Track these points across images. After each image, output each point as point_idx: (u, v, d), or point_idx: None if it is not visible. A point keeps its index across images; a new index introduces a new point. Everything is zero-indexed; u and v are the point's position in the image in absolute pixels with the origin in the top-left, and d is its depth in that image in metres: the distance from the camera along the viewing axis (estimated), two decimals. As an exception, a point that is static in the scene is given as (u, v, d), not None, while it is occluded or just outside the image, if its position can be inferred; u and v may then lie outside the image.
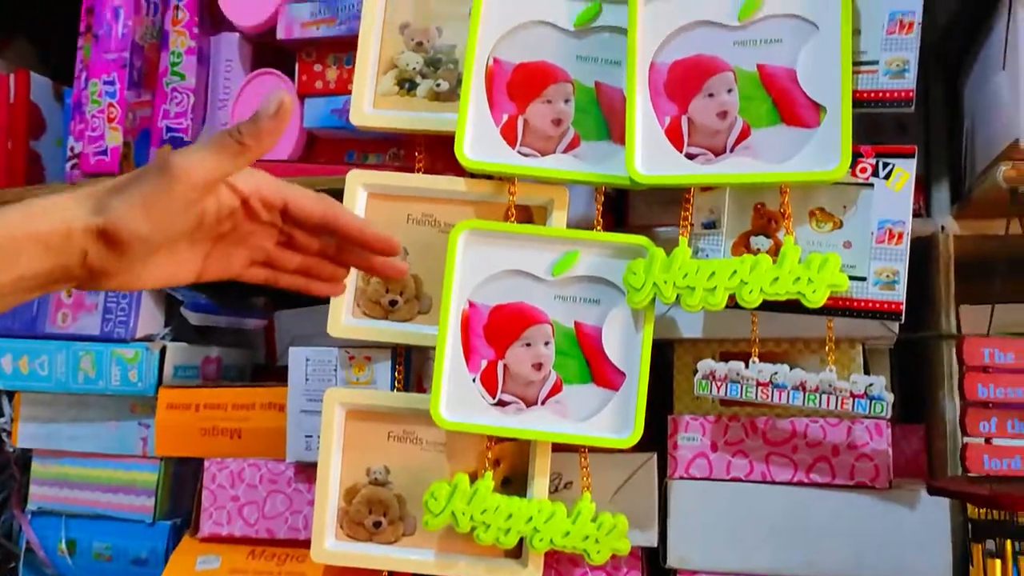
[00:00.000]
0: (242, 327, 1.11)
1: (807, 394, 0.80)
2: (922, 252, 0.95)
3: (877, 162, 0.80)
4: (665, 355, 0.93)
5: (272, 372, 1.11)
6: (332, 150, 1.03)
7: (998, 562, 0.77)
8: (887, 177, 0.80)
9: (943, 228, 0.93)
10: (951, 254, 0.92)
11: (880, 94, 0.79)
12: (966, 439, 0.75)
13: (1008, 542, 0.77)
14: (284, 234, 0.63)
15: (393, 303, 0.88)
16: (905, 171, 0.79)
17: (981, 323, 0.92)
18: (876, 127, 0.96)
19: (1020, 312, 0.97)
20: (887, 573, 0.81)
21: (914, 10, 0.79)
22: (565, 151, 0.86)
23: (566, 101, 0.86)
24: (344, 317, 0.88)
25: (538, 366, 0.84)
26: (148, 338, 1.02)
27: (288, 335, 1.10)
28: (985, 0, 0.80)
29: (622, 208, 0.99)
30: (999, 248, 0.86)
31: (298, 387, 0.92)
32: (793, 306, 0.79)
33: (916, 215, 0.94)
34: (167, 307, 1.05)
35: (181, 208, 0.55)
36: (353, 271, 0.87)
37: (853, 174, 0.80)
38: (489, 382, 0.84)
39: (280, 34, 1.00)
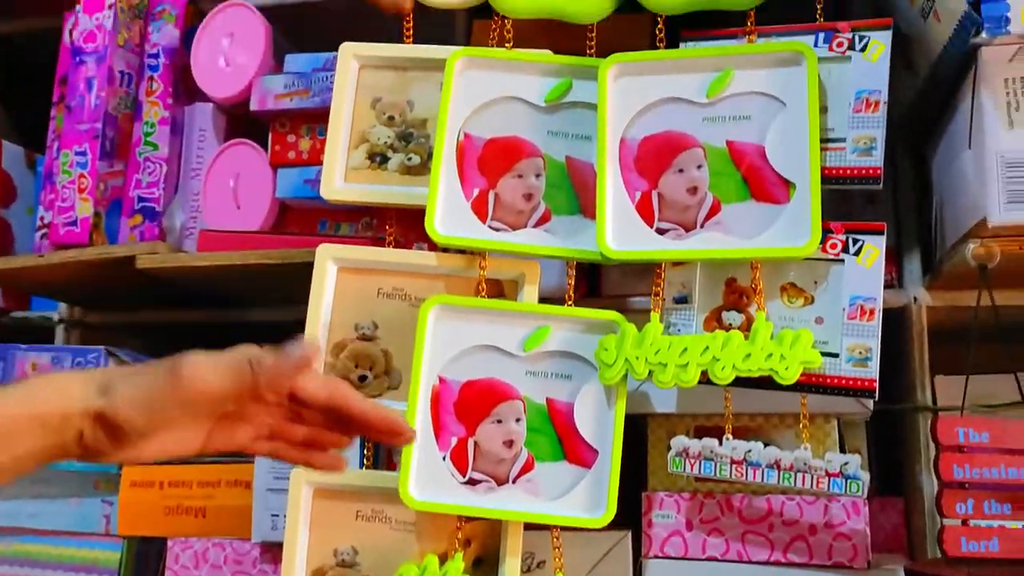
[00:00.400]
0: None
1: (782, 472, 0.79)
2: (896, 323, 0.94)
3: (847, 238, 0.80)
4: (639, 429, 0.92)
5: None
6: (304, 219, 1.03)
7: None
8: (857, 253, 0.80)
9: (916, 299, 0.93)
10: (924, 325, 0.92)
11: (848, 171, 0.80)
12: (944, 521, 0.74)
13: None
14: (290, 411, 0.62)
15: (362, 379, 0.87)
16: (875, 247, 0.79)
17: (957, 393, 0.92)
18: (846, 199, 0.97)
19: (995, 383, 0.97)
20: (867, 657, 0.79)
21: (880, 89, 0.80)
22: (536, 225, 0.86)
23: (537, 175, 0.86)
24: (312, 393, 0.86)
25: (509, 443, 0.82)
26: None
27: (258, 407, 1.08)
28: (951, 79, 0.81)
29: (596, 277, 0.98)
30: (971, 319, 0.86)
31: (265, 464, 0.90)
32: (766, 382, 0.78)
33: (889, 286, 0.94)
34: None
35: (180, 408, 0.56)
36: (321, 342, 0.87)
37: (823, 250, 0.80)
38: (459, 460, 0.82)
39: (254, 106, 1.01)
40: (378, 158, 0.90)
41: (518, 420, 0.83)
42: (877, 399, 0.82)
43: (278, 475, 0.89)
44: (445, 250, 0.87)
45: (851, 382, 0.78)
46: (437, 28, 0.97)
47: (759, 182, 0.81)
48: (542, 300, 0.86)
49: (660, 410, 0.89)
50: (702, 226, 0.82)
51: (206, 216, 1.03)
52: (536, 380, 0.83)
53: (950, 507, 0.73)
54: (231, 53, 1.03)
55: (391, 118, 0.91)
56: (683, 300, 0.84)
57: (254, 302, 1.09)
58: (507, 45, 0.88)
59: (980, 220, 0.76)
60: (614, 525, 0.80)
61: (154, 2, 1.09)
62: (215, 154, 1.04)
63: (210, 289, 1.04)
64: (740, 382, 0.79)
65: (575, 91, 0.87)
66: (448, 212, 0.85)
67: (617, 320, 0.82)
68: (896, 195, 0.99)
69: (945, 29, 0.75)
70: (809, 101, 0.79)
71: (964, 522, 0.72)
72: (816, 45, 0.82)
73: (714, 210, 0.82)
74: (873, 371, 0.77)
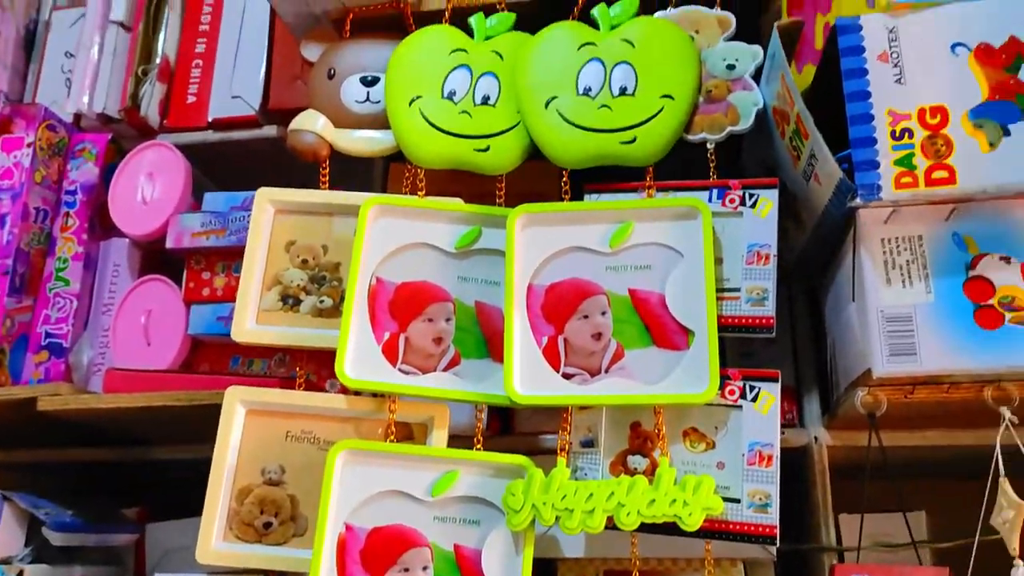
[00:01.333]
0: (111, 544, 1.05)
1: (688, 620, 0.79)
2: (798, 462, 0.97)
3: (744, 385, 0.83)
4: (550, 574, 0.91)
5: (140, 593, 1.05)
6: (216, 355, 1.02)
7: None
8: (754, 400, 0.83)
9: (816, 439, 0.96)
10: (825, 464, 0.95)
11: (743, 320, 0.83)
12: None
13: None
14: None
15: (267, 525, 0.85)
16: (771, 394, 0.82)
17: (864, 533, 0.94)
18: (747, 340, 1.01)
19: (895, 521, 1.00)
20: None
21: (769, 243, 0.84)
22: (446, 369, 0.87)
23: (447, 320, 0.88)
24: (214, 541, 0.84)
25: (415, 593, 0.81)
26: (6, 560, 0.96)
27: (159, 550, 1.05)
28: (834, 235, 0.87)
29: (509, 415, 0.99)
30: (865, 458, 0.89)
31: None
32: (671, 527, 0.79)
33: (790, 425, 0.97)
34: (29, 526, 0.99)
35: None
36: (225, 489, 0.85)
37: (722, 396, 0.83)
38: (364, 612, 0.81)
39: (170, 243, 1.01)
40: (291, 300, 0.91)
41: (425, 568, 0.82)
42: (784, 538, 0.83)
43: None
44: (357, 394, 0.88)
45: (753, 528, 0.79)
46: (358, 167, 1.00)
47: (660, 329, 0.84)
48: (455, 439, 0.86)
49: (569, 555, 0.89)
50: (606, 371, 0.84)
51: (115, 353, 1.02)
52: (444, 526, 0.83)
53: (849, 656, 0.74)
54: (149, 191, 1.04)
55: (305, 261, 0.92)
56: (589, 444, 0.86)
57: (162, 440, 1.07)
58: (420, 193, 0.91)
59: (866, 370, 0.80)
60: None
61: (75, 140, 1.10)
62: (128, 290, 1.04)
63: (115, 428, 1.02)
64: (645, 527, 0.80)
65: (484, 238, 0.90)
66: (359, 355, 0.86)
67: (524, 465, 0.82)
68: (795, 336, 1.03)
69: (825, 192, 0.81)
70: (705, 253, 0.84)
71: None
72: (710, 200, 0.87)
73: (618, 356, 0.84)
74: (773, 517, 0.79)
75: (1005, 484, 0.76)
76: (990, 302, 0.77)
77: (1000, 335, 0.76)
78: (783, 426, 0.99)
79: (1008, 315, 0.76)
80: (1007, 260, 0.78)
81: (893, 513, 1.03)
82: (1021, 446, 0.77)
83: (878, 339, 0.78)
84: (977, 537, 0.78)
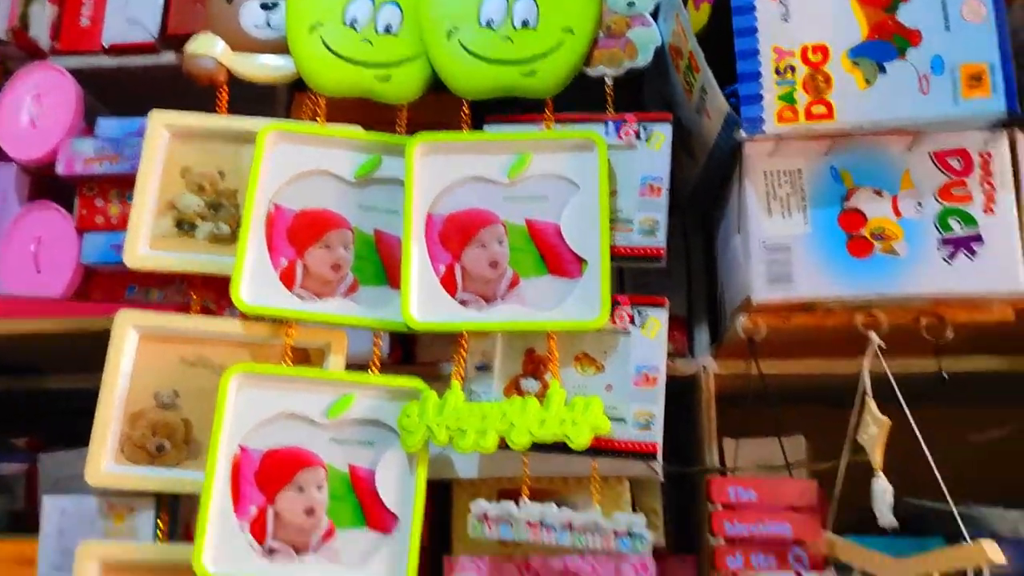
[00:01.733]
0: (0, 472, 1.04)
1: (574, 533, 0.83)
2: (688, 390, 1.02)
3: (633, 311, 0.86)
4: (445, 494, 0.93)
5: (32, 522, 1.03)
6: (111, 285, 1.00)
7: None
8: (642, 325, 0.86)
9: (704, 368, 1.01)
10: (712, 392, 1.00)
11: (634, 250, 0.86)
12: (714, 575, 0.79)
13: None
14: None
15: (160, 448, 0.85)
16: (658, 320, 0.86)
17: (747, 454, 0.99)
18: (644, 271, 1.04)
19: (773, 445, 1.05)
20: None
21: (662, 176, 0.87)
22: (344, 296, 0.88)
23: (345, 247, 0.88)
24: (105, 463, 0.84)
25: (310, 511, 0.82)
26: None
27: (52, 479, 1.03)
28: (723, 168, 0.90)
29: (410, 344, 1.01)
30: (747, 387, 0.94)
31: (50, 540, 0.86)
32: (560, 447, 0.82)
33: (680, 355, 1.01)
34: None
35: None
36: (116, 413, 0.84)
37: (612, 322, 0.85)
38: (258, 530, 0.82)
39: (61, 169, 0.98)
40: (186, 226, 0.90)
41: (320, 488, 0.83)
42: (673, 461, 0.87)
43: (66, 552, 0.85)
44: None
45: (637, 446, 0.83)
46: (262, 95, 0.98)
47: (555, 258, 0.86)
48: (353, 367, 0.87)
49: (464, 475, 0.91)
50: (503, 298, 0.86)
51: (3, 280, 0.99)
52: (339, 447, 0.84)
53: (723, 562, 0.78)
54: (37, 113, 1.01)
55: (201, 187, 0.91)
56: (484, 368, 0.88)
57: (55, 369, 1.04)
58: (319, 120, 0.91)
59: (747, 297, 0.83)
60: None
61: (-43, 60, 1.05)
62: (16, 216, 1.01)
63: (5, 356, 1.00)
64: (537, 447, 0.82)
65: (385, 167, 0.90)
66: (255, 280, 0.86)
67: (419, 388, 0.84)
68: (689, 268, 1.07)
69: (715, 125, 0.84)
70: (600, 184, 0.86)
71: (734, 574, 0.78)
72: (607, 133, 0.89)
73: (513, 283, 0.86)
74: (656, 435, 0.82)
75: (870, 402, 0.81)
76: (862, 232, 0.81)
77: (870, 263, 0.80)
78: (674, 355, 1.04)
79: (878, 244, 0.81)
80: (879, 193, 0.82)
81: (773, 438, 1.09)
82: (887, 368, 0.81)
83: (758, 267, 0.82)
84: (845, 457, 0.83)
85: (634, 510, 0.92)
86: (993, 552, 0.66)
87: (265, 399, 0.84)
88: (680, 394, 1.03)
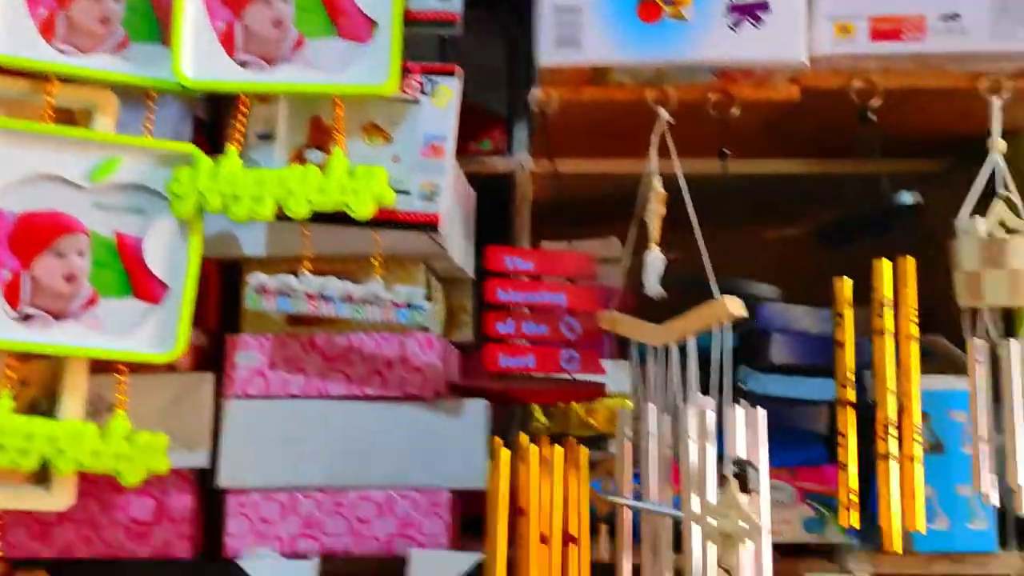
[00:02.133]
0: None
1: (354, 305, 0.81)
2: (505, 189, 1.00)
3: (424, 80, 0.82)
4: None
5: None
6: None
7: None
8: (432, 94, 0.82)
9: (522, 166, 0.99)
10: (528, 190, 0.98)
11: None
12: (487, 340, 0.79)
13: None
14: None
15: (-97, 208, 0.78)
16: (449, 89, 0.82)
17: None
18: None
19: (590, 246, 1.06)
20: (431, 478, 0.83)
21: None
22: (112, 52, 0.81)
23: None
24: None
25: (70, 278, 0.78)
26: None
27: None
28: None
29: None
30: (572, 186, 0.92)
31: None
32: (343, 218, 0.79)
33: (499, 153, 0.99)
34: None
35: None
36: None
37: (402, 90, 0.81)
38: (12, 295, 0.77)
39: None
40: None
41: (81, 254, 0.78)
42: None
43: None
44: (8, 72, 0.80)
45: (419, 217, 0.80)
46: None
47: (344, 19, 0.81)
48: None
49: (250, 253, 0.88)
50: (287, 60, 0.81)
51: None
52: (104, 213, 0.79)
53: (493, 327, 0.78)
54: None
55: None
56: (267, 137, 0.83)
57: None
58: None
59: (540, 68, 0.80)
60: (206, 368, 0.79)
61: None
62: None
63: None
64: (318, 218, 0.79)
65: None
66: (8, 29, 0.78)
67: (192, 152, 0.79)
68: (511, 67, 1.03)
69: None
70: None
71: (503, 340, 0.78)
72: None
73: (298, 44, 0.81)
74: (439, 207, 0.80)
75: (655, 180, 0.80)
76: (653, -4, 0.79)
77: (658, 28, 0.78)
78: (493, 153, 1.01)
79: (667, 9, 0.78)
80: (668, -42, 0.79)
81: (591, 240, 1.09)
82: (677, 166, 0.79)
83: (546, 30, 0.78)
84: (631, 239, 0.83)
85: (429, 296, 0.90)
86: (734, 305, 0.67)
87: (20, 157, 0.78)
88: (496, 193, 1.01)
